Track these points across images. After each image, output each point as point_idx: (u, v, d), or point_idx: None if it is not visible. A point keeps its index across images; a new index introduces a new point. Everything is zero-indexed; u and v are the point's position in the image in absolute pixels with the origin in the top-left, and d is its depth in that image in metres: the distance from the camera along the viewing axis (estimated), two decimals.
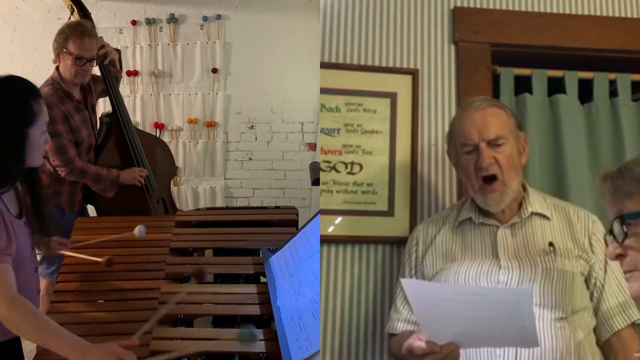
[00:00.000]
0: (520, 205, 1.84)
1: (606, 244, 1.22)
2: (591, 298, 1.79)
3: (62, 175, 2.78)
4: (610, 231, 1.14)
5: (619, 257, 1.14)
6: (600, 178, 1.18)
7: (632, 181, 1.11)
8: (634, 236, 1.10)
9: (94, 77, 2.93)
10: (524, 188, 1.88)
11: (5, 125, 1.70)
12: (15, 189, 1.85)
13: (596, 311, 1.78)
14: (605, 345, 1.77)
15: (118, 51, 3.11)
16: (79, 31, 2.73)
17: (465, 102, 1.95)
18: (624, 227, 1.11)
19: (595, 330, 1.78)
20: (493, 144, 1.78)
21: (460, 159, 1.84)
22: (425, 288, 1.51)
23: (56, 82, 2.78)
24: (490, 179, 1.78)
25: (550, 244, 1.78)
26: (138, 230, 2.21)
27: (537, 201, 1.86)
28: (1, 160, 1.71)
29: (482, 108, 1.83)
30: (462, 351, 1.65)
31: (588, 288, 1.79)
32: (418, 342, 1.50)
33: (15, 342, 1.93)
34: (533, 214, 1.83)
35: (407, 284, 1.51)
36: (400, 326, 1.87)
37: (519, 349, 1.65)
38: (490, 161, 1.77)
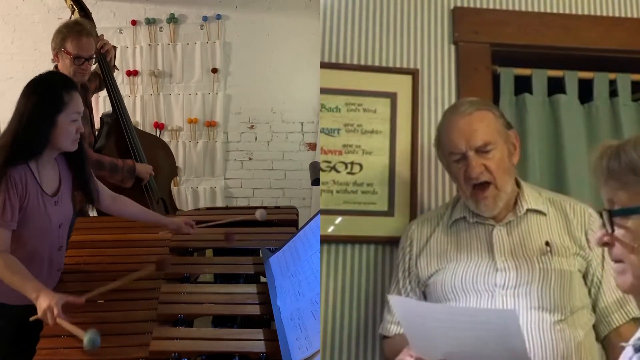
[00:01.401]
0: (515, 202, 1.83)
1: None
2: (589, 294, 1.78)
3: None
4: (601, 215, 1.11)
5: (606, 245, 1.11)
6: (596, 154, 1.13)
7: (627, 170, 1.06)
8: (622, 229, 1.07)
9: None
10: (518, 184, 1.86)
11: (36, 110, 1.96)
12: (59, 168, 2.10)
13: (594, 307, 1.77)
14: (604, 341, 1.77)
15: (114, 48, 3.11)
16: (76, 30, 2.72)
17: (451, 106, 1.92)
18: (613, 221, 1.08)
19: (593, 326, 1.77)
20: (482, 150, 1.75)
21: (450, 166, 1.82)
22: (413, 306, 1.50)
23: None
24: (482, 185, 1.76)
25: (547, 243, 1.76)
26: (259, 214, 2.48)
27: (532, 197, 1.84)
28: (28, 139, 1.95)
29: (467, 114, 1.78)
30: None
31: (586, 284, 1.78)
32: (408, 359, 1.50)
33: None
34: (529, 210, 1.81)
35: (395, 301, 1.51)
36: (393, 329, 1.86)
37: None
38: (480, 169, 1.75)
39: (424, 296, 1.87)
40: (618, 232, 1.08)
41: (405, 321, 1.48)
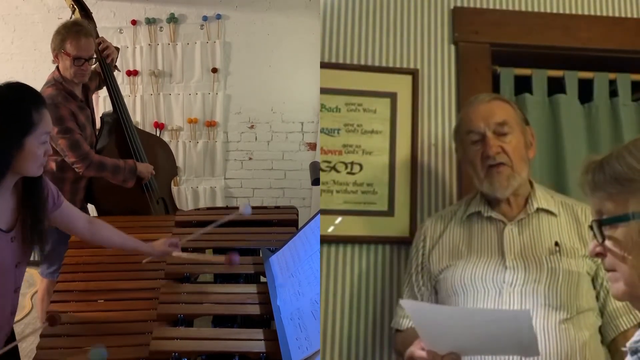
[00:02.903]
0: (526, 201, 1.85)
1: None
2: (597, 298, 1.78)
3: (81, 172, 2.76)
4: (591, 227, 1.14)
5: (599, 255, 1.14)
6: (582, 169, 1.15)
7: (612, 180, 1.09)
8: (611, 239, 1.10)
9: None
10: (531, 185, 1.88)
11: (1, 131, 1.63)
12: (13, 199, 1.76)
13: (602, 311, 1.78)
14: (611, 345, 1.77)
15: (117, 49, 3.11)
16: (74, 31, 2.72)
17: (471, 98, 1.96)
18: (603, 230, 1.11)
19: (601, 329, 1.78)
20: (499, 132, 1.80)
21: (467, 150, 1.85)
22: (426, 309, 1.51)
23: (58, 82, 2.77)
24: (498, 165, 1.79)
25: (556, 243, 1.78)
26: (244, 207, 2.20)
27: (543, 197, 1.86)
28: None
29: (487, 101, 1.86)
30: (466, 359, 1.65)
31: (595, 287, 1.79)
32: (419, 352, 1.50)
33: (10, 341, 1.91)
34: (539, 209, 1.83)
35: (407, 305, 1.53)
36: (405, 322, 1.88)
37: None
38: (497, 150, 1.79)
39: (435, 291, 1.90)
40: (608, 242, 1.11)
41: (417, 322, 1.49)
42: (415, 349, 1.52)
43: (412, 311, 1.50)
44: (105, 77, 2.96)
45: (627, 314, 1.75)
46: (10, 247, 1.73)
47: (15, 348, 1.95)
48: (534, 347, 1.43)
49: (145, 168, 2.93)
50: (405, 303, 1.52)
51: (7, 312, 1.83)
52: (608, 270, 1.13)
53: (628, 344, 1.08)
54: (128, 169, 2.84)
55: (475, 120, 1.83)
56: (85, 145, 2.74)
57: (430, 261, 1.90)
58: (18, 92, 1.71)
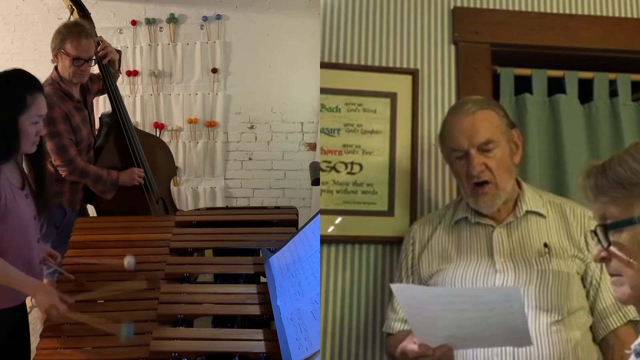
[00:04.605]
0: (515, 203, 1.84)
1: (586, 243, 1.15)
2: (587, 296, 1.78)
3: (64, 175, 2.78)
4: (595, 232, 1.13)
5: (604, 260, 1.13)
6: (583, 174, 1.15)
7: (616, 185, 1.08)
8: (617, 245, 1.10)
9: (90, 76, 2.92)
10: (519, 185, 1.87)
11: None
12: (18, 164, 2.09)
13: (592, 309, 1.78)
14: (602, 343, 1.78)
15: (119, 52, 3.11)
16: (75, 31, 2.72)
17: (455, 104, 1.94)
18: (608, 235, 1.10)
19: (591, 328, 1.78)
20: (483, 148, 1.77)
21: (452, 163, 1.84)
22: (416, 292, 1.50)
23: (55, 82, 2.77)
24: (482, 183, 1.78)
25: (545, 245, 1.77)
26: (127, 262, 2.22)
27: (532, 199, 1.85)
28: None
29: (471, 112, 1.80)
30: (459, 354, 1.65)
31: (584, 286, 1.79)
32: (411, 345, 1.50)
33: (22, 308, 2.16)
34: (528, 212, 1.83)
35: (398, 288, 1.51)
36: (397, 326, 1.87)
37: (516, 352, 1.65)
38: (481, 168, 1.76)
39: None
40: (613, 247, 1.10)
41: (408, 308, 1.48)
42: (407, 343, 1.51)
43: (402, 294, 1.48)
44: (104, 78, 2.96)
45: (616, 312, 1.75)
46: (27, 202, 2.07)
47: (25, 311, 2.20)
48: (525, 330, 1.42)
49: (128, 176, 2.93)
50: (395, 287, 1.50)
51: (37, 262, 2.12)
52: (612, 274, 1.13)
53: (633, 346, 1.08)
54: (110, 181, 2.86)
55: (459, 138, 1.78)
56: (72, 150, 2.75)
57: (420, 265, 1.89)
58: (15, 76, 2.00)
